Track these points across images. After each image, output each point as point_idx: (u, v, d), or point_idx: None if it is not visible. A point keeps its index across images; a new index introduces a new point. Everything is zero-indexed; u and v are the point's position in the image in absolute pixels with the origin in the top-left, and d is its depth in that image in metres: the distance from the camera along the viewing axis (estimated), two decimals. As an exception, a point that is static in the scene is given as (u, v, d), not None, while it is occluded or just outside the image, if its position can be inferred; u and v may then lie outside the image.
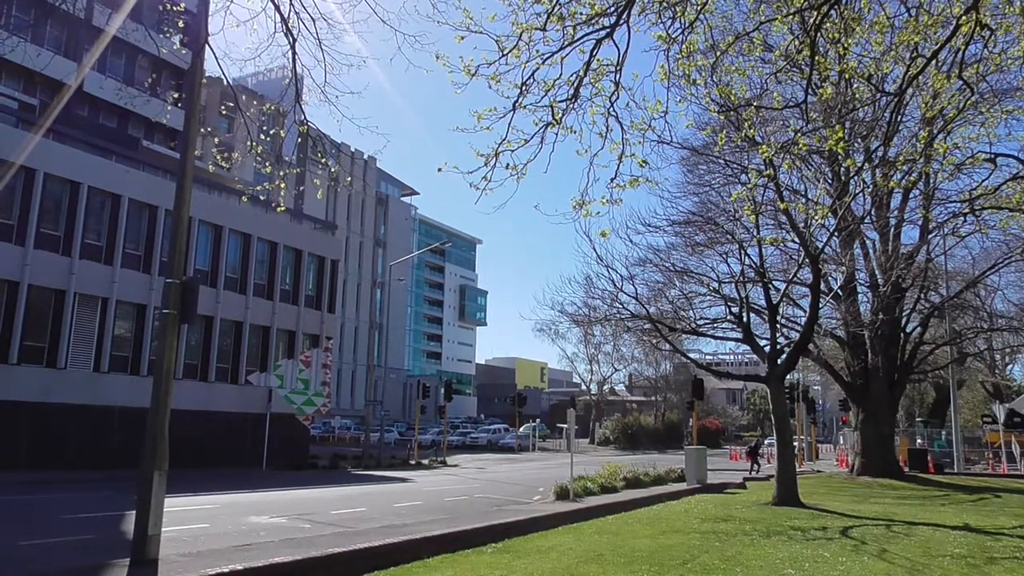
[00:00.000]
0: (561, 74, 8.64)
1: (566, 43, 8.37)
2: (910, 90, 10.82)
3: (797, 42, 8.18)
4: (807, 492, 19.93)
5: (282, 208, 11.15)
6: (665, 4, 8.12)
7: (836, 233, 21.50)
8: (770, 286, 21.18)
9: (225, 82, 9.78)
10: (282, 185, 10.69)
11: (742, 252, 20.69)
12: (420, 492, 22.19)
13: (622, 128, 8.81)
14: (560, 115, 8.76)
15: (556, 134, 8.90)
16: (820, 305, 21.00)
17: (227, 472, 28.52)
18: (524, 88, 8.64)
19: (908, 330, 30.28)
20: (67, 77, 37.61)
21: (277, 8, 9.01)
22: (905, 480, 27.51)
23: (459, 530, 11.70)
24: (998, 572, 9.58)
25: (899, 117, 18.77)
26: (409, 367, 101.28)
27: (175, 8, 9.26)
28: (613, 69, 8.54)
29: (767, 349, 20.36)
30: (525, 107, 8.79)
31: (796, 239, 19.56)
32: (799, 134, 10.07)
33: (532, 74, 8.58)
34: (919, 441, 40.20)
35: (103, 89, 39.61)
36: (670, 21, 8.16)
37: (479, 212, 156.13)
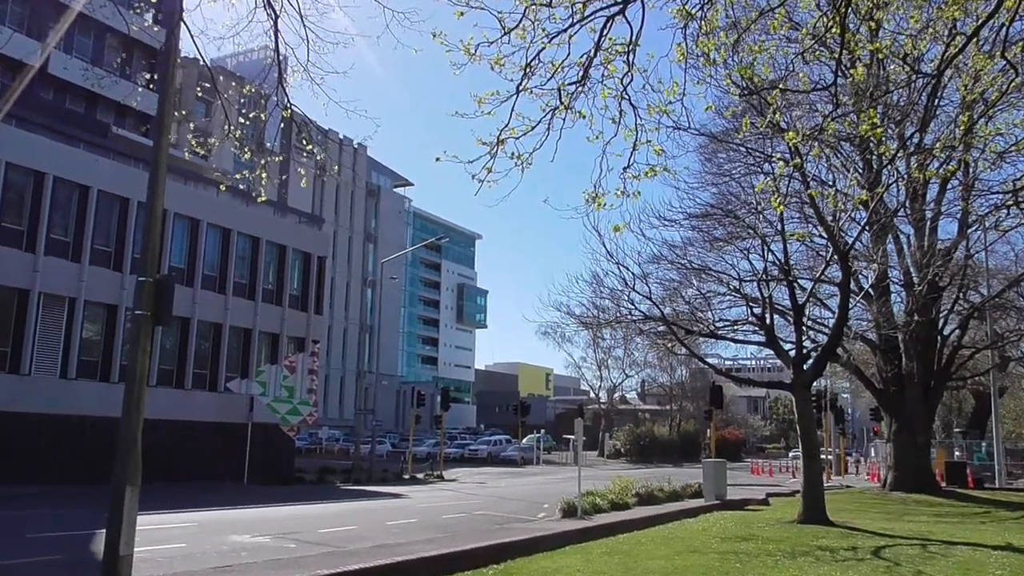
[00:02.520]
0: (569, 54, 8.62)
1: (574, 20, 8.35)
2: (949, 71, 10.81)
3: (826, 19, 8.15)
4: (835, 509, 19.90)
5: (264, 199, 11.15)
6: (682, -23, 8.10)
7: (867, 227, 21.48)
8: (795, 285, 21.15)
9: (202, 62, 9.78)
10: (264, 175, 10.69)
11: (765, 248, 20.69)
12: (415, 509, 22.18)
13: (636, 113, 8.79)
14: (569, 99, 8.73)
15: (564, 119, 8.88)
16: (850, 306, 20.98)
17: (205, 487, 28.52)
18: (529, 69, 8.61)
19: (945, 333, 30.24)
20: (29, 57, 37.63)
21: (259, -19, 9.00)
22: (942, 496, 27.48)
23: (457, 550, 11.70)
24: (1045, 596, 9.56)
25: (937, 101, 18.79)
26: (403, 373, 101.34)
27: (148, -18, 9.26)
28: (626, 49, 8.52)
29: (792, 353, 20.34)
30: (530, 90, 8.77)
31: (824, 234, 19.55)
32: (828, 119, 10.03)
33: (538, 54, 8.56)
34: (957, 453, 40.14)
35: (69, 70, 39.61)
36: (687, -5, 8.15)
37: (479, 204, 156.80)
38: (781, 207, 17.22)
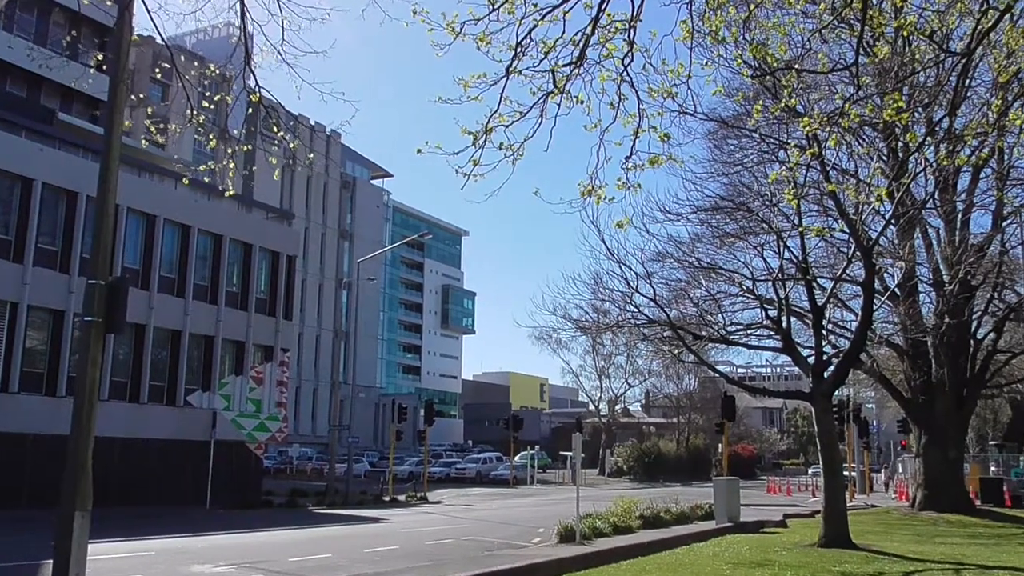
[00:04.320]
0: (564, 32, 8.65)
1: (570, -7, 8.38)
2: (980, 49, 10.89)
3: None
4: (860, 531, 19.98)
5: (229, 193, 11.13)
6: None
7: (893, 221, 21.58)
8: (814, 285, 21.23)
9: (159, 40, 9.76)
10: (229, 165, 10.67)
11: (780, 244, 20.76)
12: (396, 534, 22.15)
13: (638, 97, 8.82)
14: (563, 82, 8.75)
15: (559, 105, 8.90)
16: (874, 307, 21.06)
17: (164, 512, 28.41)
18: (519, 50, 8.63)
19: (979, 336, 30.40)
20: (-33, 36, 37.45)
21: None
22: (977, 515, 27.61)
23: (444, 580, 11.68)
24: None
25: (967, 82, 18.91)
26: (382, 384, 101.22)
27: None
28: (626, 26, 8.55)
29: (811, 360, 20.40)
30: (521, 73, 8.79)
31: (845, 228, 19.62)
32: (849, 103, 10.08)
33: (529, 33, 8.58)
34: (993, 469, 40.31)
35: (11, 50, 39.41)
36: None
37: (465, 199, 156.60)
38: (796, 200, 17.29)
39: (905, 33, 9.83)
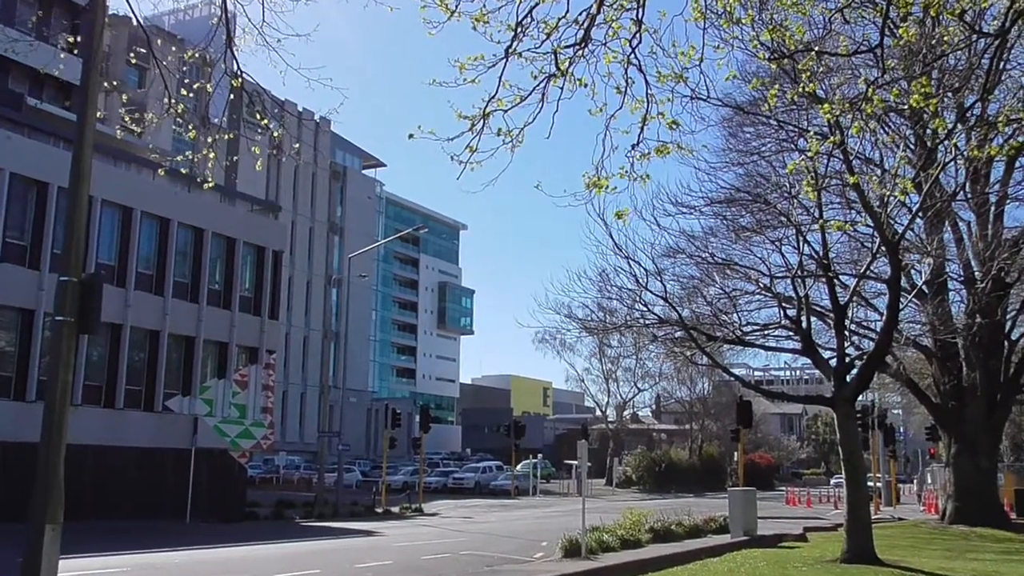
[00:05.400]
0: (568, 11, 8.65)
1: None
2: (1015, 29, 10.87)
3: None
4: (886, 545, 19.99)
5: (210, 184, 11.14)
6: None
7: (920, 214, 21.58)
8: (836, 282, 21.22)
9: (135, 22, 9.76)
10: (210, 155, 10.67)
11: (800, 238, 20.74)
12: (390, 548, 22.18)
13: (646, 81, 8.82)
14: (566, 64, 8.75)
15: (562, 88, 8.90)
16: (901, 306, 21.06)
17: (141, 525, 28.45)
18: (520, 29, 8.63)
19: (1014, 337, 30.39)
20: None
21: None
22: (1011, 529, 27.61)
23: (439, 597, 11.70)
24: None
25: (1001, 64, 18.86)
26: (374, 388, 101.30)
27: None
28: (633, 4, 8.54)
29: (833, 363, 20.41)
30: (521, 54, 8.78)
31: (869, 222, 19.61)
32: (873, 87, 10.07)
33: (529, 11, 8.57)
34: (1029, 479, 40.36)
35: (-23, 32, 39.47)
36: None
37: (463, 190, 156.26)
38: (814, 193, 17.27)
39: (934, 12, 9.79)
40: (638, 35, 8.59)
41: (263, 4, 9.27)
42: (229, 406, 36.14)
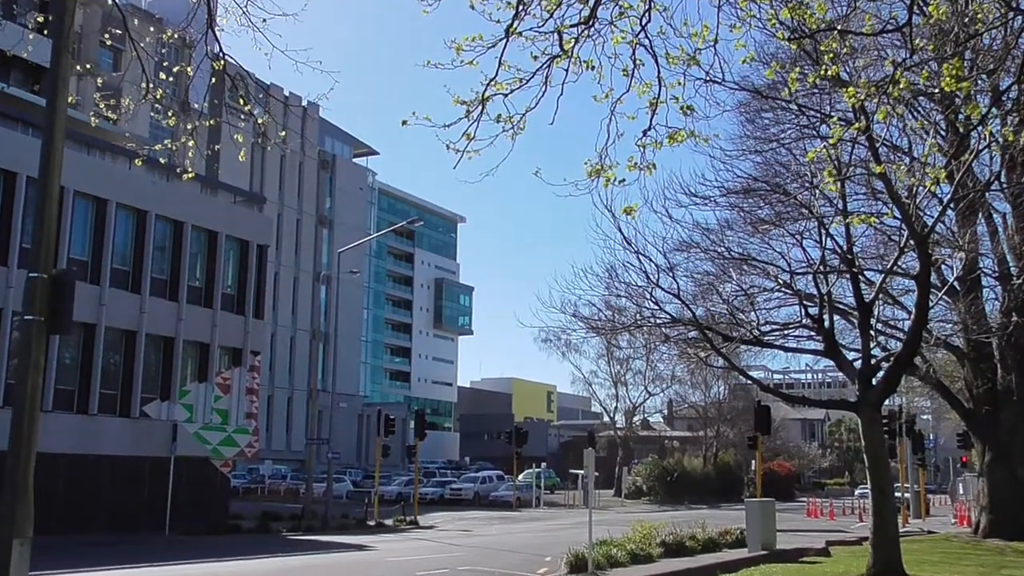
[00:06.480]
0: (573, -13, 8.63)
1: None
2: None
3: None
4: (915, 560, 19.99)
5: (191, 175, 11.14)
6: None
7: (952, 205, 21.55)
8: (861, 278, 21.20)
9: (110, 0, 9.76)
10: (190, 143, 10.67)
11: (822, 232, 20.73)
12: (382, 564, 22.21)
13: (656, 63, 8.81)
14: (571, 44, 8.74)
15: (566, 71, 8.91)
16: (930, 304, 21.04)
17: (117, 539, 28.49)
18: (521, 7, 8.62)
19: (1052, 337, 30.34)
20: None
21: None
22: (1048, 543, 27.60)
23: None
24: None
25: (1038, 45, 18.80)
26: (366, 392, 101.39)
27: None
28: (644, -20, 8.53)
29: (857, 364, 20.39)
30: (522, 34, 8.77)
31: (897, 214, 19.59)
32: (900, 69, 10.05)
33: (533, -12, 8.56)
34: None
35: (-60, 11, 39.50)
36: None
37: (460, 180, 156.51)
38: (835, 185, 17.23)
39: (966, -12, 9.78)
40: (648, 13, 8.59)
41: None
42: (211, 411, 36.17)
